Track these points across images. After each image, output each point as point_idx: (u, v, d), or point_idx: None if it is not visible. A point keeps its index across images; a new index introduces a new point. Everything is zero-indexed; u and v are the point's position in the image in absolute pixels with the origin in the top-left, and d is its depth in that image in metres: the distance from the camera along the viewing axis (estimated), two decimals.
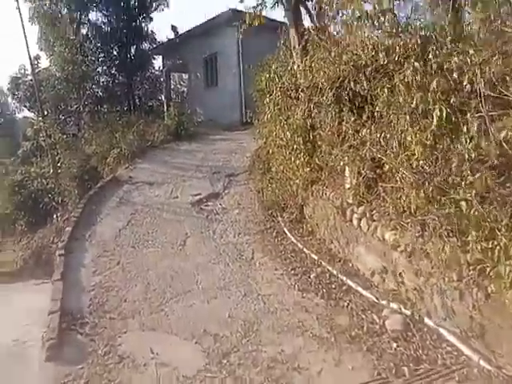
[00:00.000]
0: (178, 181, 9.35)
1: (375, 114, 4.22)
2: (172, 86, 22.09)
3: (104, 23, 18.18)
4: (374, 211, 4.45)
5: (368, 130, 4.21)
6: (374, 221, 4.41)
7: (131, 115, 15.51)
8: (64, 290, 4.42)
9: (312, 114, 5.55)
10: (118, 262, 5.51)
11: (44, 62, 19.69)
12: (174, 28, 19.49)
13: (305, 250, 5.60)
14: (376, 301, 4.15)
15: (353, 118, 4.51)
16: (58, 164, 14.54)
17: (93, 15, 17.96)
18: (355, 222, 4.75)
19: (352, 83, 4.46)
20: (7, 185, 15.67)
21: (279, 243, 6.09)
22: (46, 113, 17.11)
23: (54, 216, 14.38)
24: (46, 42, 17.26)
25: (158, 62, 21.46)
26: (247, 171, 9.70)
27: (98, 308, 4.25)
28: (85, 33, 17.78)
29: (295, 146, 6.01)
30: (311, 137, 5.66)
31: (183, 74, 22.44)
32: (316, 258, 5.29)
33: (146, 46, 18.87)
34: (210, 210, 7.71)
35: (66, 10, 17.00)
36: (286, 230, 6.40)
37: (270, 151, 8.38)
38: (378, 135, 4.08)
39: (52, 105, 17.90)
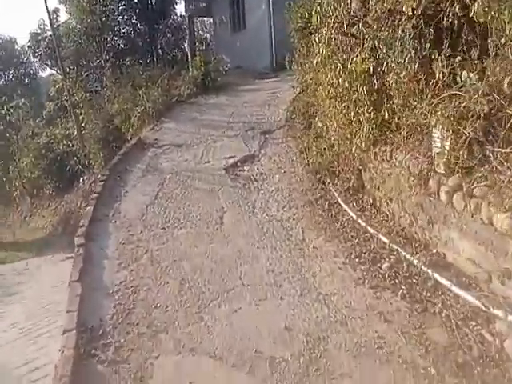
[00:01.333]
0: (208, 141, 8.30)
1: (489, 48, 2.91)
2: (196, 33, 20.43)
3: None
4: (476, 184, 3.26)
5: (477, 73, 2.93)
6: (476, 197, 3.24)
7: (154, 68, 14.32)
8: (82, 296, 3.62)
9: (380, 55, 4.23)
10: (145, 249, 4.65)
11: (63, 16, 18.49)
12: None
13: (369, 228, 4.52)
14: (482, 308, 3.09)
15: (452, 59, 3.20)
16: (82, 125, 13.83)
17: None
18: (444, 196, 3.57)
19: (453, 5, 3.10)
20: (33, 148, 15.23)
21: (334, 219, 5.03)
22: (67, 70, 16.20)
23: (81, 180, 13.93)
24: None
25: (179, 7, 19.85)
26: (285, 126, 8.50)
27: (123, 319, 3.43)
28: None
29: (354, 97, 4.75)
30: (378, 85, 4.38)
31: (207, 19, 20.72)
32: (386, 240, 4.22)
33: None
34: (246, 177, 6.68)
35: None
36: (340, 201, 5.31)
37: (316, 102, 7.13)
38: (495, 79, 2.81)
39: (73, 61, 16.93)
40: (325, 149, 6.29)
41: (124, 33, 17.11)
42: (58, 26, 17.47)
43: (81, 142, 13.92)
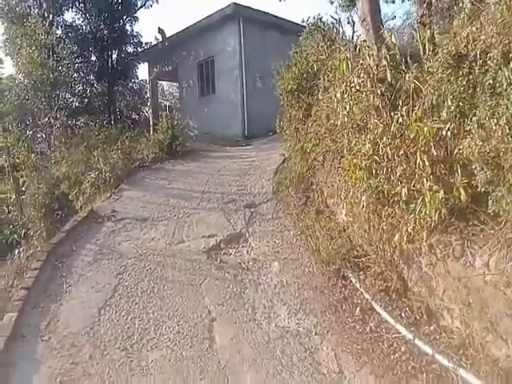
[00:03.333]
0: (180, 215, 6.76)
1: None
2: (159, 97, 19.59)
3: (81, 24, 15.64)
4: None
5: None
6: None
7: (112, 129, 12.90)
8: None
9: (447, 113, 3.12)
10: None
11: (8, 69, 16.93)
12: (161, 31, 17.05)
13: (439, 358, 3.09)
14: None
15: None
16: (23, 189, 11.77)
17: (68, 15, 15.45)
18: None
19: None
20: None
21: (376, 335, 3.58)
22: (8, 127, 14.31)
23: (16, 252, 11.56)
24: (12, 43, 14.58)
25: (142, 69, 19.11)
26: (272, 199, 7.20)
27: None
28: (59, 34, 15.15)
29: (401, 169, 3.56)
30: (446, 153, 3.22)
31: (172, 83, 20.05)
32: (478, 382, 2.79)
33: (130, 49, 16.31)
34: (235, 264, 5.15)
35: (36, 7, 14.42)
36: (377, 307, 3.90)
37: (313, 173, 6.00)
38: None
39: (17, 118, 15.12)
40: (339, 230, 5.02)
41: (79, 91, 15.79)
42: (0, 79, 15.88)
43: (19, 208, 11.78)
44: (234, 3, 12.76)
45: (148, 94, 19.86)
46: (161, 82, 20.93)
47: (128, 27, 15.81)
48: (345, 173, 4.89)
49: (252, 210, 6.91)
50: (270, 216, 6.61)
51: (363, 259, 4.50)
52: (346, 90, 4.24)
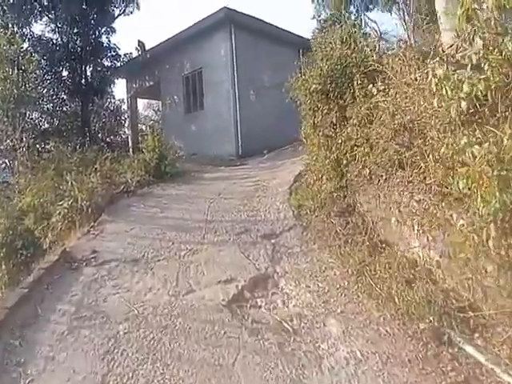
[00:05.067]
0: (182, 252, 5.19)
1: None
2: (138, 115, 18.06)
3: (51, 36, 14.03)
4: None
5: None
6: None
7: (88, 151, 11.26)
8: None
9: None
10: None
11: None
12: (140, 44, 15.73)
13: None
14: None
15: None
16: None
17: (38, 27, 13.85)
18: None
19: None
20: None
21: None
22: None
23: None
24: None
25: (119, 87, 17.63)
26: (296, 227, 5.73)
27: None
28: (25, 47, 13.50)
29: None
30: None
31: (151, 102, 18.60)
32: None
33: (106, 63, 14.77)
34: (274, 324, 3.61)
35: None
36: None
37: (375, 190, 4.61)
38: None
39: None
40: (415, 271, 3.59)
41: (49, 110, 14.05)
42: None
43: None
44: (226, 7, 11.54)
45: (125, 115, 18.33)
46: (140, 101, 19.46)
47: (104, 39, 14.37)
48: (428, 188, 3.49)
49: (273, 241, 5.41)
50: (298, 249, 5.12)
51: (474, 313, 3.06)
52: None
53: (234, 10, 11.97)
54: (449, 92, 2.87)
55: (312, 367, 3.02)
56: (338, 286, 4.10)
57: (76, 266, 4.88)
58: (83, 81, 13.98)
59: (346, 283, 4.11)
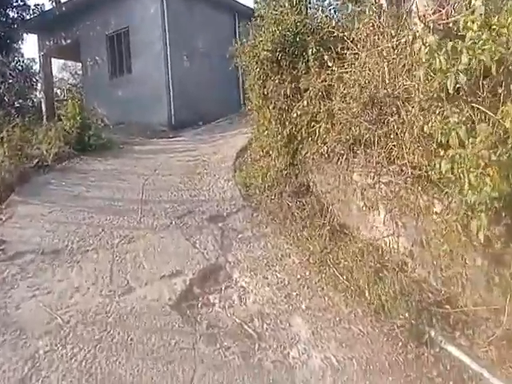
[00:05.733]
0: (115, 240, 4.45)
1: None
2: (53, 77, 16.02)
3: None
4: None
5: None
6: None
7: None
8: None
9: None
10: None
11: None
12: None
13: None
14: None
15: None
16: None
17: None
18: None
19: None
20: None
21: None
22: None
23: None
24: None
25: (29, 43, 15.38)
26: (246, 207, 5.24)
27: None
28: None
29: None
30: None
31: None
32: None
33: (12, 15, 12.61)
34: (233, 328, 3.12)
35: None
36: None
37: (334, 170, 4.22)
38: None
39: None
40: (385, 260, 3.31)
41: None
42: None
43: None
44: None
45: (37, 76, 16.13)
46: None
47: None
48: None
49: (220, 224, 4.87)
50: (250, 233, 4.65)
51: (453, 309, 2.83)
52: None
53: None
54: (443, 63, 2.47)
55: (284, 382, 2.59)
56: (298, 277, 3.70)
57: None
58: None
59: (308, 273, 3.73)
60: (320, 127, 4.11)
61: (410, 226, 3.28)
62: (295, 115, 4.61)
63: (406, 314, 2.90)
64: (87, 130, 8.02)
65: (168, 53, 11.08)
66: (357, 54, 3.82)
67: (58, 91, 21.60)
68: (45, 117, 13.25)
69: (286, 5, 5.56)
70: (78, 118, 7.94)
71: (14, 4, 12.57)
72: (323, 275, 3.60)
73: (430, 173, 2.86)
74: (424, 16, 2.99)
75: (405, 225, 3.34)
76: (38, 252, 4.15)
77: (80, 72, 26.97)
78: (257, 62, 5.35)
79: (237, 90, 13.98)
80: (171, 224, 4.85)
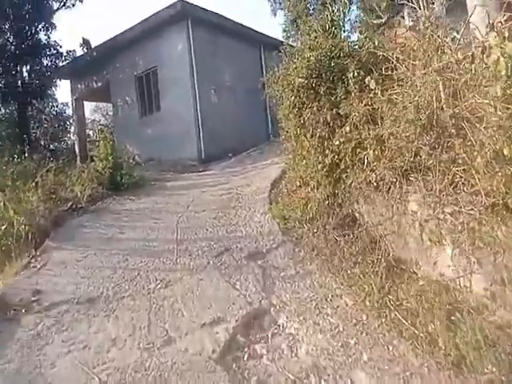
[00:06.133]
0: (151, 285, 4.19)
1: None
2: (85, 119, 16.51)
3: None
4: None
5: None
6: None
7: (27, 161, 9.82)
8: None
9: None
10: None
11: None
12: (85, 42, 14.24)
13: None
14: None
15: None
16: None
17: None
18: None
19: None
20: None
21: None
22: None
23: None
24: None
25: (63, 88, 15.99)
26: (286, 242, 4.90)
27: None
28: None
29: None
30: None
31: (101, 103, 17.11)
32: None
33: (46, 62, 13.17)
34: None
35: None
36: None
37: (386, 200, 3.86)
38: None
39: None
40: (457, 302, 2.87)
41: None
42: None
43: None
44: (182, 0, 10.51)
45: (70, 120, 16.70)
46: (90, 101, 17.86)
47: (43, 35, 12.78)
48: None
49: (260, 262, 4.55)
50: (293, 271, 4.29)
51: None
52: None
53: (191, 3, 10.99)
54: None
55: None
56: (354, 322, 3.30)
57: (12, 316, 3.73)
58: (19, 82, 12.34)
59: (365, 317, 3.32)
60: (367, 154, 3.78)
61: (486, 262, 2.85)
62: (337, 143, 4.32)
63: (494, 369, 2.44)
64: (119, 169, 8.01)
65: (196, 88, 11.18)
66: (407, 73, 3.53)
67: (91, 132, 22.33)
68: (78, 158, 13.55)
69: (320, 30, 5.42)
70: (110, 158, 7.96)
71: (48, 53, 13.13)
72: (384, 320, 3.18)
73: (509, 201, 2.47)
74: (492, 24, 2.67)
75: (479, 261, 2.91)
76: (73, 302, 3.93)
77: (110, 113, 28.10)
78: (292, 90, 5.14)
79: (265, 120, 13.95)
80: (208, 264, 4.56)
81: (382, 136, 3.77)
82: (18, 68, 12.49)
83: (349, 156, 4.26)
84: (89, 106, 21.18)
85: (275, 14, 20.14)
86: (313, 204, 5.05)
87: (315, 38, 5.24)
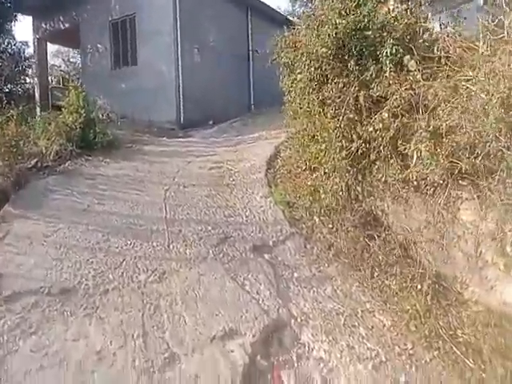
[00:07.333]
0: (140, 276, 3.47)
1: None
2: (48, 63, 14.74)
3: None
4: None
5: None
6: None
7: None
8: None
9: None
10: None
11: None
12: None
13: None
14: None
15: None
16: None
17: None
18: None
19: None
20: None
21: None
22: None
23: None
24: None
25: (22, 24, 14.10)
26: (295, 234, 4.30)
27: None
28: None
29: None
30: None
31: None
32: None
33: None
34: None
35: None
36: None
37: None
38: None
39: None
40: None
41: None
42: None
43: None
44: None
45: (29, 61, 14.85)
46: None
47: None
48: None
49: (268, 257, 3.96)
50: (308, 272, 3.73)
51: None
52: None
53: None
54: None
55: None
56: (398, 350, 2.79)
57: None
58: None
59: (410, 346, 2.81)
60: (417, 148, 3.20)
61: None
62: (371, 129, 3.70)
63: None
64: (92, 125, 6.95)
65: (178, 43, 10.01)
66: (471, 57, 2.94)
67: (51, 78, 20.27)
68: (38, 106, 12.05)
69: None
70: (82, 112, 6.86)
71: None
72: (436, 352, 2.69)
73: None
74: None
75: None
76: (42, 292, 3.14)
77: (73, 59, 25.64)
78: (311, 61, 4.40)
79: (247, 89, 13.06)
80: (208, 254, 3.88)
81: (438, 129, 3.19)
82: None
83: (384, 146, 3.67)
84: (49, 49, 19.07)
85: None
86: (326, 194, 4.45)
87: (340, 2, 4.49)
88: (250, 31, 12.97)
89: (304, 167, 5.41)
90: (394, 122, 3.62)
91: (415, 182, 3.48)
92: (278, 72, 5.69)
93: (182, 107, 10.43)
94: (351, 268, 3.66)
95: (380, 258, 3.54)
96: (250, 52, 12.84)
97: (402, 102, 3.64)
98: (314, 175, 4.97)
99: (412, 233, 3.54)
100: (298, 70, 4.89)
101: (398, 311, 3.06)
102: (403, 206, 3.74)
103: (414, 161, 3.28)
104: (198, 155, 7.26)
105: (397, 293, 3.19)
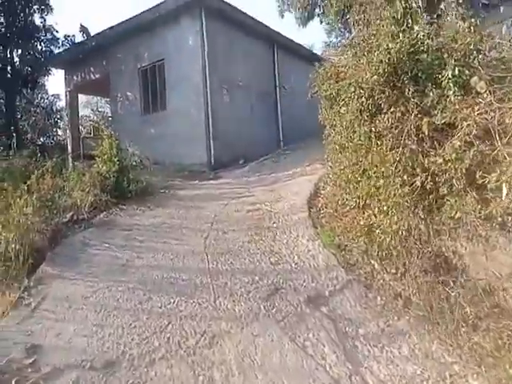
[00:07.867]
0: (189, 340, 3.09)
1: None
2: (79, 114, 15.16)
3: None
4: None
5: None
6: None
7: (15, 158, 8.62)
8: None
9: None
10: None
11: None
12: (83, 29, 12.98)
13: None
14: None
15: None
16: None
17: None
18: None
19: None
20: None
21: None
22: None
23: None
24: None
25: (54, 80, 14.63)
26: (352, 282, 3.86)
27: None
28: None
29: None
30: None
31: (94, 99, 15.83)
32: None
33: (40, 48, 11.88)
34: None
35: None
36: None
37: None
38: None
39: None
40: None
41: None
42: None
43: None
44: None
45: (61, 113, 15.37)
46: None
47: (37, 17, 11.47)
48: None
49: (326, 310, 3.52)
50: (375, 327, 3.26)
51: None
52: None
53: None
54: None
55: None
56: None
57: None
58: (8, 68, 11.01)
59: None
60: (503, 182, 2.78)
61: None
62: (441, 161, 3.32)
63: None
64: (126, 173, 6.84)
65: (207, 86, 10.06)
66: None
67: (81, 128, 20.98)
68: (70, 157, 12.28)
69: (391, 19, 4.43)
70: (116, 160, 6.78)
71: (42, 37, 11.84)
72: None
73: None
74: None
75: None
76: (84, 366, 2.80)
77: (101, 109, 26.63)
78: (362, 90, 4.12)
79: (276, 126, 12.97)
80: (259, 310, 3.48)
81: None
82: (8, 52, 11.17)
83: (458, 179, 3.26)
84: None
85: (283, 16, 19.11)
86: (385, 234, 4.02)
87: (389, 26, 4.25)
88: (276, 67, 13.03)
89: (353, 205, 5.01)
90: (469, 150, 3.23)
91: (499, 219, 3.03)
92: (318, 105, 5.46)
93: (212, 148, 10.34)
94: (427, 321, 3.17)
95: (467, 309, 3.04)
96: (278, 88, 12.84)
97: (475, 128, 3.26)
98: (366, 214, 4.56)
99: (500, 278, 3.05)
100: (344, 102, 4.62)
101: (497, 375, 2.54)
102: (482, 247, 3.26)
103: (503, 194, 2.85)
104: (233, 197, 6.98)
105: (492, 352, 2.68)
